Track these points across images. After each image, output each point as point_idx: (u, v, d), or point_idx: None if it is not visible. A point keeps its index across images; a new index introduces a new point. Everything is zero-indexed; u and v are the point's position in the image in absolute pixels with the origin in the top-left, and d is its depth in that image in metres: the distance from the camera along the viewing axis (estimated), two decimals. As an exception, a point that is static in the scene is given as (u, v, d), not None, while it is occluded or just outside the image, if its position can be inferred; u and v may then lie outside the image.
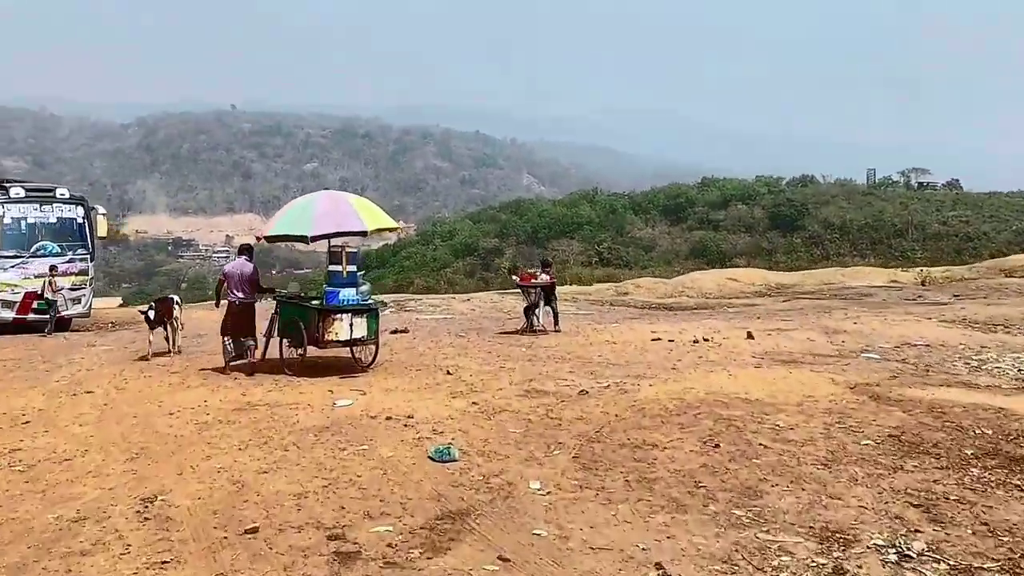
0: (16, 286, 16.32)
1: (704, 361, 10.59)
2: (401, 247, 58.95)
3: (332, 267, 10.17)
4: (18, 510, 5.51)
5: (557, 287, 15.26)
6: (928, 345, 11.93)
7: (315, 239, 10.08)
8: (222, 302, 10.77)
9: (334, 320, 9.97)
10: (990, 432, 6.88)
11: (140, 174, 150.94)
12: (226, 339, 10.39)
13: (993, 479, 5.83)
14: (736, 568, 4.49)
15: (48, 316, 15.84)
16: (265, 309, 11.39)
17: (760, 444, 6.64)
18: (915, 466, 6.08)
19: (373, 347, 10.52)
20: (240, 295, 10.37)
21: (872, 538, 4.85)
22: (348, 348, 10.37)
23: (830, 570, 4.46)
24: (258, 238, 11.06)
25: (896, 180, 65.78)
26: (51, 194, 17.43)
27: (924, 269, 30.71)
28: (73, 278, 16.93)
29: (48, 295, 15.86)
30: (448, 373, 9.87)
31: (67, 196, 17.56)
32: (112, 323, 18.76)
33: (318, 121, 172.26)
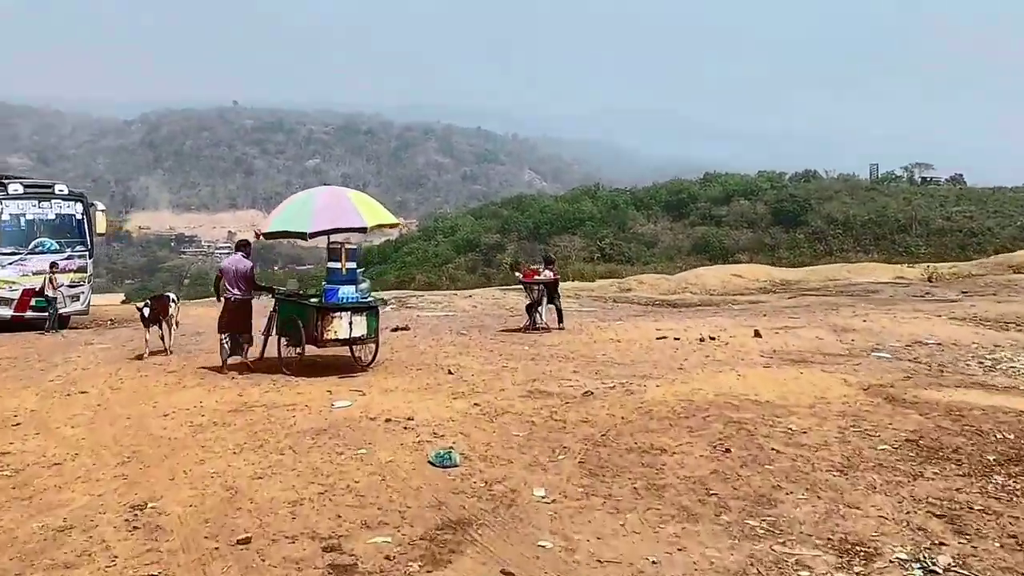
0: (14, 283, 16.13)
1: (711, 360, 10.35)
2: (403, 243, 58.67)
3: (331, 264, 9.95)
4: (3, 518, 5.31)
5: (560, 284, 15.03)
6: (940, 344, 11.68)
7: (314, 236, 9.88)
8: (221, 298, 10.58)
9: (333, 318, 9.76)
10: (1012, 437, 6.63)
11: (143, 170, 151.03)
12: (223, 337, 10.20)
13: (1019, 487, 5.58)
14: (752, 583, 4.26)
15: (48, 313, 15.65)
16: (264, 307, 11.18)
17: (772, 449, 6.40)
18: (936, 473, 5.83)
19: (373, 346, 10.31)
20: (236, 291, 10.18)
21: (895, 551, 4.61)
22: (347, 347, 10.16)
23: (851, 585, 4.24)
24: (257, 235, 10.85)
25: (899, 175, 65.28)
26: (50, 190, 17.24)
27: (931, 265, 30.32)
28: (72, 275, 16.74)
29: (49, 292, 15.66)
30: (449, 373, 9.65)
31: (66, 192, 17.36)
32: (111, 320, 18.56)
33: (320, 117, 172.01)
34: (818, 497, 5.41)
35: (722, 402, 7.86)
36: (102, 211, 18.10)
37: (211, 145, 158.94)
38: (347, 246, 10.01)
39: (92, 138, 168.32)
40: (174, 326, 12.23)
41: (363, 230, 10.18)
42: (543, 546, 4.74)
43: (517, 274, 16.35)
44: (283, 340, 10.33)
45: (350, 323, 9.82)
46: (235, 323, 10.14)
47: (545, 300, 13.96)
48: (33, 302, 16.09)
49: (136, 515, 5.32)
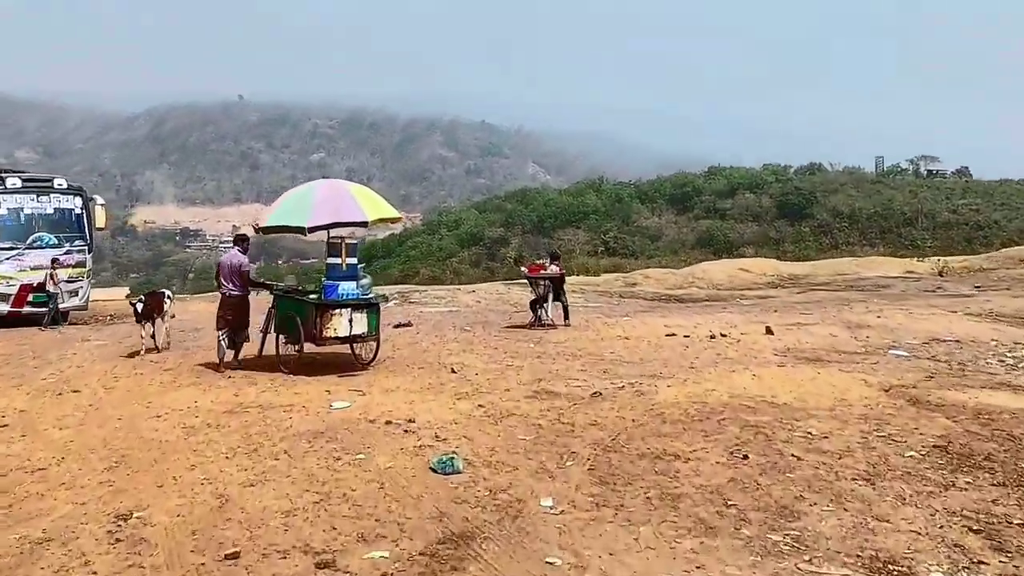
0: (11, 278, 15.88)
1: (723, 359, 10.01)
2: (407, 237, 58.41)
3: (331, 260, 9.63)
4: (-20, 529, 5.02)
5: (566, 279, 14.68)
6: (958, 341, 11.32)
7: (313, 230, 9.56)
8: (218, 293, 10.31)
9: (332, 316, 9.45)
10: (1045, 442, 6.28)
11: (148, 165, 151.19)
12: (221, 334, 9.91)
13: (1058, 498, 5.24)
14: (777, 606, 3.94)
15: (47, 309, 15.39)
16: (263, 303, 10.88)
17: (792, 455, 6.07)
18: (968, 483, 5.48)
19: (374, 343, 10.00)
20: (231, 287, 9.88)
21: (930, 571, 4.26)
22: (347, 345, 9.85)
23: (885, 609, 3.91)
24: (255, 229, 10.52)
25: (905, 168, 64.59)
26: (48, 184, 16.98)
27: (941, 259, 29.89)
28: (70, 270, 16.47)
29: (50, 288, 15.40)
30: (452, 371, 9.34)
31: (65, 186, 17.11)
32: (111, 316, 18.30)
33: (325, 111, 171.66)
34: (844, 509, 5.07)
35: (737, 404, 7.53)
36: (102, 205, 17.84)
37: (216, 139, 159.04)
38: (347, 241, 9.70)
39: (98, 132, 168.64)
40: (167, 321, 11.94)
41: (364, 224, 9.87)
42: (551, 563, 4.43)
43: (522, 269, 16.02)
44: (281, 338, 10.03)
45: (350, 320, 9.51)
46: (232, 319, 9.86)
47: (551, 296, 13.62)
48: (32, 297, 15.85)
49: (120, 526, 5.03)
